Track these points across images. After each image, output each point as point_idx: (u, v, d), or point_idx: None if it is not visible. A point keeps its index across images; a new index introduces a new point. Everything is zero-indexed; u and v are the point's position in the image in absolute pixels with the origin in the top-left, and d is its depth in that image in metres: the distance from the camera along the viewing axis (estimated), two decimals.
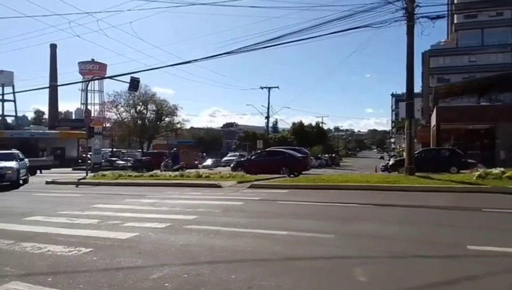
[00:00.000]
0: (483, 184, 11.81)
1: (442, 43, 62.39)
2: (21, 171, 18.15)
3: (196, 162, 45.15)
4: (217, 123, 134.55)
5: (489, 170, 13.59)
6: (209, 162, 48.20)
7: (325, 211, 8.77)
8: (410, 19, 15.22)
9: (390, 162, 26.22)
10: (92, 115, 41.73)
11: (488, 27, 54.77)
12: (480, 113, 28.79)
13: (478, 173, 13.48)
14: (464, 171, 19.85)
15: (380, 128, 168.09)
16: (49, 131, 64.73)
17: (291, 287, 3.81)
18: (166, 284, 3.90)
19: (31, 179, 22.67)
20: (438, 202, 9.53)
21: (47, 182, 19.19)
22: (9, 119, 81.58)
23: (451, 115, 29.09)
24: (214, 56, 19.46)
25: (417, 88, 50.91)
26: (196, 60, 19.74)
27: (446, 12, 20.08)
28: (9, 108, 79.09)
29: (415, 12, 15.32)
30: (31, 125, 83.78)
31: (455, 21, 57.67)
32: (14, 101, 76.24)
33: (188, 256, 4.99)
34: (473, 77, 42.17)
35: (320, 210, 8.97)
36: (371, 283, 3.92)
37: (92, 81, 68.19)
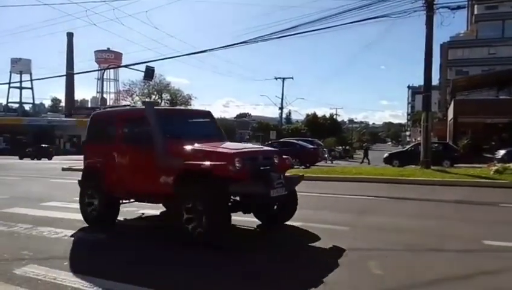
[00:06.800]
0: (500, 179, 11.59)
1: (461, 35, 60.98)
2: None
3: None
4: (230, 114, 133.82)
5: (507, 165, 13.31)
6: None
7: (340, 203, 8.71)
8: (430, 9, 14.88)
9: (384, 155, 24.76)
10: (108, 103, 42.27)
11: (509, 18, 53.11)
12: (499, 107, 28.12)
13: (496, 167, 13.22)
14: (457, 165, 19.52)
15: (395, 121, 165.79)
16: (66, 119, 65.64)
17: (304, 278, 3.80)
18: None
19: (47, 165, 23.07)
20: (454, 196, 9.37)
21: (63, 169, 19.50)
22: (27, 107, 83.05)
23: (469, 108, 28.50)
24: (228, 46, 19.27)
25: (435, 80, 50.06)
26: (211, 50, 19.56)
27: (466, 3, 19.56)
28: (26, 95, 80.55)
29: (435, 2, 14.98)
30: (48, 113, 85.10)
31: (475, 12, 56.19)
32: (32, 88, 77.52)
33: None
34: (493, 70, 41.17)
35: (334, 202, 8.92)
36: (386, 275, 3.88)
37: (108, 70, 68.85)
